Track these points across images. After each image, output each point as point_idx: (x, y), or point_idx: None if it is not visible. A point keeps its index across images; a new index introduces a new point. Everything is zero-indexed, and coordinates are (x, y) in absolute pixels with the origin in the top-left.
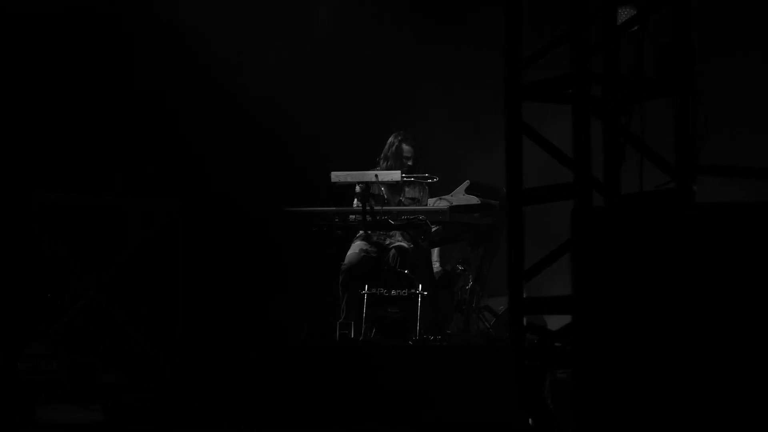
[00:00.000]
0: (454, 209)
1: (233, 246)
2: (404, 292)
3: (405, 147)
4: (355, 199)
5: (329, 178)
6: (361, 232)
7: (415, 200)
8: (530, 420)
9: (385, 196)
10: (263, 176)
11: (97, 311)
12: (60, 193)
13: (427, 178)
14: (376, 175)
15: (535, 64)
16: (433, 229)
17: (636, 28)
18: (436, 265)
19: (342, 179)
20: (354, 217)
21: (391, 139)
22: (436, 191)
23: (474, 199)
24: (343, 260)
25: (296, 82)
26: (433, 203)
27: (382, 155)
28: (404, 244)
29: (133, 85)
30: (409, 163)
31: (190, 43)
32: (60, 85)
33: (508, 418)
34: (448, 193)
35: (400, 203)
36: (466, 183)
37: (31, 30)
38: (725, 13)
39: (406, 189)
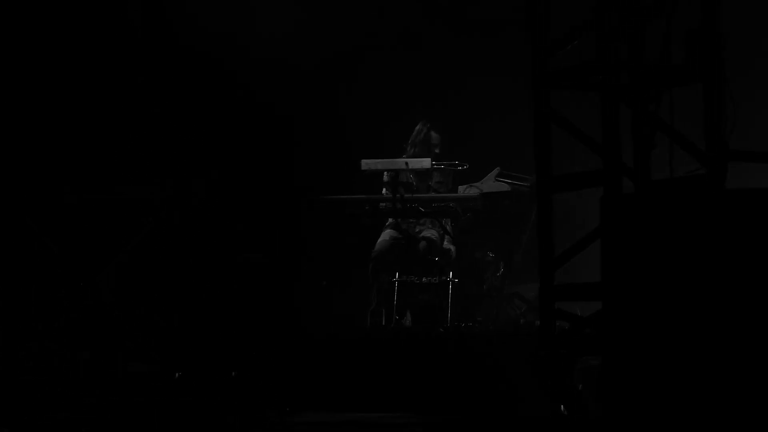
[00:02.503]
0: (485, 196)
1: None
2: (435, 280)
3: (433, 134)
4: (384, 188)
5: (358, 165)
6: (390, 220)
7: (442, 184)
8: (561, 407)
9: (414, 183)
10: (291, 164)
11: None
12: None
13: (457, 165)
14: (407, 163)
15: (563, 52)
16: (463, 217)
17: (663, 14)
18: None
19: (372, 167)
20: (384, 204)
21: (419, 127)
22: (465, 179)
23: (504, 186)
24: (373, 248)
25: (320, 69)
26: (463, 190)
27: (410, 142)
28: (433, 234)
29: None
30: (436, 150)
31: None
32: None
33: (538, 405)
34: (478, 181)
35: (429, 189)
36: (497, 170)
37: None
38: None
39: (434, 176)
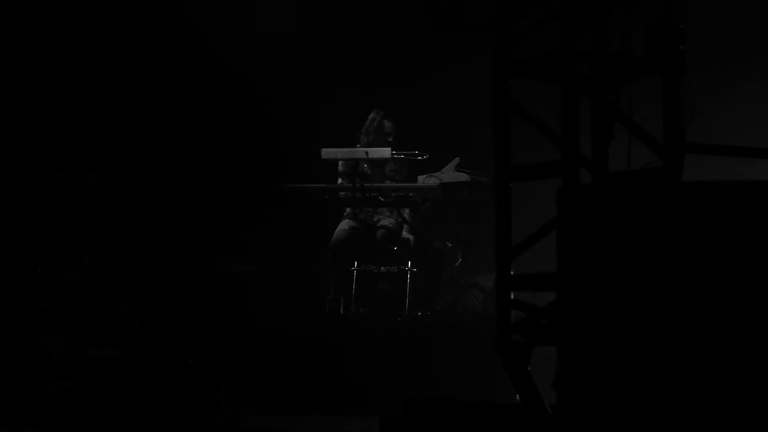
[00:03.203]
0: (444, 186)
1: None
2: (393, 269)
3: (386, 123)
4: (339, 177)
5: (316, 154)
6: (348, 210)
7: (397, 172)
8: (517, 395)
9: (369, 173)
10: (254, 153)
11: (88, 289)
12: (50, 171)
13: (417, 155)
14: (366, 152)
15: (523, 42)
16: (422, 206)
17: (625, 5)
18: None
19: (332, 156)
20: (344, 193)
21: (372, 115)
22: (425, 168)
23: (463, 176)
24: (331, 237)
25: (282, 57)
26: (423, 180)
27: (363, 130)
28: (391, 223)
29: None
30: (390, 139)
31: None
32: (52, 63)
33: (494, 393)
34: (437, 171)
35: (384, 178)
36: (456, 160)
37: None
38: None
39: (389, 164)
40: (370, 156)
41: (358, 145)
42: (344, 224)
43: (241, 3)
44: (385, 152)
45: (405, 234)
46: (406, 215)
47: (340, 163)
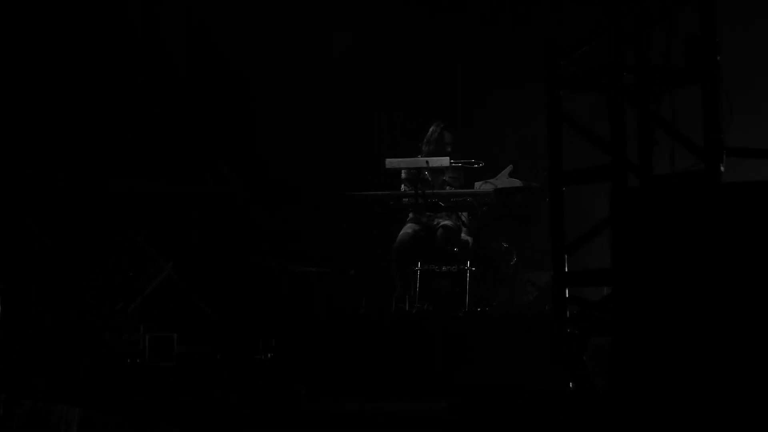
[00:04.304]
0: (499, 191)
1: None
2: (453, 268)
3: (446, 134)
4: (402, 185)
5: (373, 164)
6: (411, 215)
7: (455, 179)
8: (570, 383)
9: (430, 180)
10: (320, 162)
11: (172, 289)
12: (133, 179)
13: (474, 163)
14: (427, 161)
15: (570, 57)
16: (479, 210)
17: (665, 21)
18: (470, 239)
19: (395, 165)
20: (407, 199)
21: (433, 128)
22: (481, 175)
23: (517, 182)
24: (395, 240)
25: (354, 76)
26: (479, 186)
27: (425, 141)
28: (449, 222)
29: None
30: (448, 149)
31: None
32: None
33: (550, 382)
34: (492, 177)
35: (443, 185)
36: (510, 167)
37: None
38: (746, 9)
39: (448, 172)
40: (430, 165)
41: (419, 155)
42: (407, 228)
43: (317, 22)
44: (444, 161)
45: (463, 236)
46: (464, 219)
47: (403, 171)
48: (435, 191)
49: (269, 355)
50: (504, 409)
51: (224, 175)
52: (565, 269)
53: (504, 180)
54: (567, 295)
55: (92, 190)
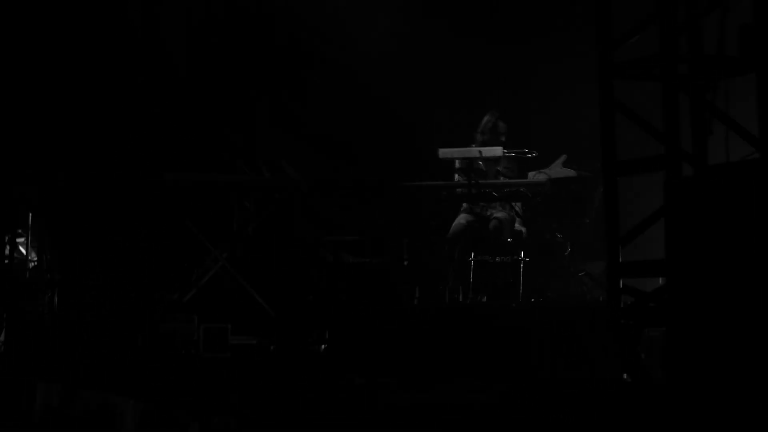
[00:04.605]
0: (553, 181)
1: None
2: (507, 259)
3: (500, 124)
4: (456, 174)
5: (434, 153)
6: (464, 205)
7: (510, 169)
8: (625, 374)
9: (484, 169)
10: (379, 155)
11: (226, 281)
12: (187, 172)
13: (527, 153)
14: (480, 151)
15: (623, 46)
16: (533, 200)
17: (719, 8)
18: (524, 230)
19: (449, 155)
20: (460, 190)
21: (487, 117)
22: (534, 165)
23: (571, 172)
24: (449, 231)
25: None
26: (532, 176)
27: (479, 131)
28: (504, 215)
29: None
30: (503, 138)
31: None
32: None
33: (605, 372)
34: (545, 167)
35: (497, 175)
36: (563, 157)
37: None
38: None
39: (502, 162)
40: (483, 154)
41: (473, 145)
42: (461, 218)
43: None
44: (497, 151)
45: (517, 226)
46: (518, 209)
47: (457, 161)
48: (488, 181)
49: (323, 346)
50: (563, 401)
51: (283, 169)
52: (619, 260)
53: (558, 170)
54: (621, 286)
55: (145, 183)
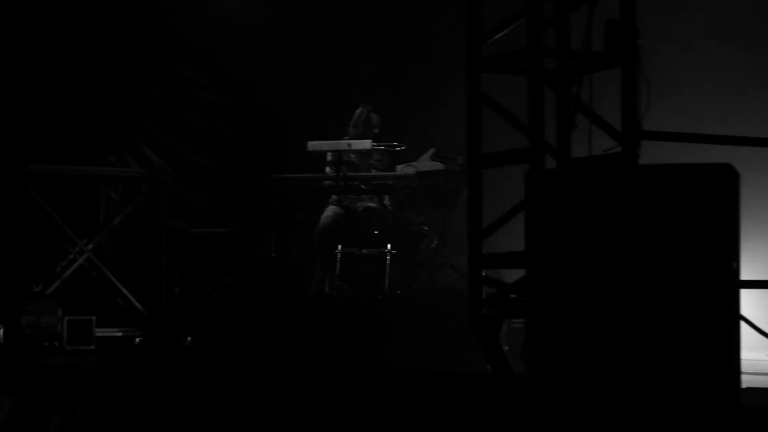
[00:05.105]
0: (421, 175)
1: (219, 210)
2: (374, 251)
3: (373, 116)
4: (327, 167)
5: (303, 146)
6: (333, 197)
7: (381, 162)
8: (488, 365)
9: (356, 162)
10: (247, 147)
11: (92, 273)
12: (52, 164)
13: (396, 145)
14: (349, 144)
15: (493, 39)
16: (401, 193)
17: (586, 4)
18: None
19: (318, 148)
20: (328, 182)
21: (360, 110)
22: (402, 158)
23: (438, 165)
24: (318, 223)
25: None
26: (401, 169)
27: (351, 123)
28: (372, 204)
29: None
30: (376, 131)
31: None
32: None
33: (468, 363)
34: (414, 160)
35: (369, 167)
36: (431, 150)
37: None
38: None
39: (374, 154)
40: (352, 147)
41: (346, 137)
42: (329, 210)
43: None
44: (366, 143)
45: (385, 218)
46: (386, 202)
47: (328, 154)
48: (357, 174)
49: (189, 338)
50: (434, 394)
51: (148, 159)
52: (481, 251)
53: (426, 163)
54: (483, 277)
55: (9, 174)
